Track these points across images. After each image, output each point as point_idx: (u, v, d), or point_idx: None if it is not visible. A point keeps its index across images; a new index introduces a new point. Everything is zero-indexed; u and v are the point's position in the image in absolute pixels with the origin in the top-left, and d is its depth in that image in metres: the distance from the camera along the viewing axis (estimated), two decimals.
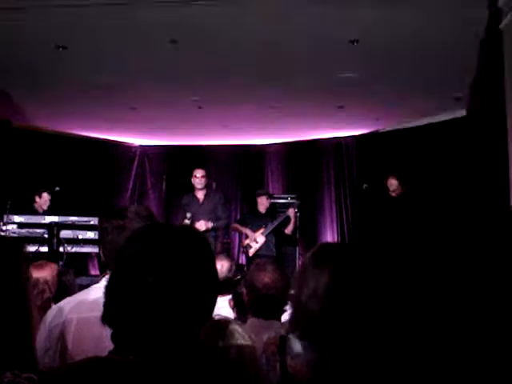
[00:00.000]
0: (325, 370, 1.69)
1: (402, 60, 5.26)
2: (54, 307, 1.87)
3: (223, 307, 2.78)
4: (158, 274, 1.08)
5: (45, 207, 7.25)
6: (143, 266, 1.09)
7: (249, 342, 1.56)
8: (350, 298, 1.76)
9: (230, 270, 2.99)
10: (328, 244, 2.24)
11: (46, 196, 7.26)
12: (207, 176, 6.68)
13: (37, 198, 7.25)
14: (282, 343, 1.76)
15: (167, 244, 1.13)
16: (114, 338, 1.10)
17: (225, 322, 1.18)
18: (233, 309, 2.96)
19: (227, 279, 3.00)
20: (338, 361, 1.70)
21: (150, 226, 1.31)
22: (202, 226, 6.29)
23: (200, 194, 6.62)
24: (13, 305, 1.41)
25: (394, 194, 7.09)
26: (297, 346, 1.77)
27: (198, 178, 6.57)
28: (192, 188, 6.68)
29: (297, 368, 1.72)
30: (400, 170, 7.80)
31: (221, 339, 1.52)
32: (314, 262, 1.86)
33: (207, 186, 6.71)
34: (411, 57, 5.14)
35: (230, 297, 2.96)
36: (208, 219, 6.41)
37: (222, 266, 2.96)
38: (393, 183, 7.06)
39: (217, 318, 1.18)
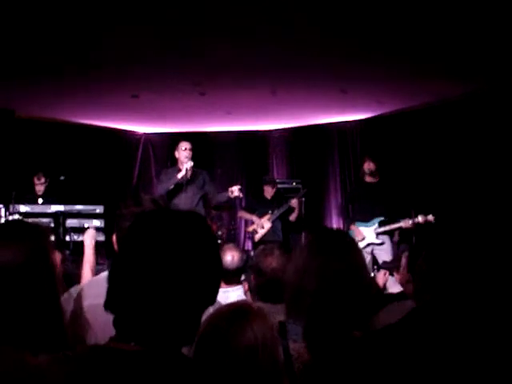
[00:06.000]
0: (323, 353, 1.72)
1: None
2: (64, 294, 1.87)
3: (234, 298, 2.74)
4: (159, 259, 1.06)
5: (41, 188, 7.24)
6: (145, 251, 1.08)
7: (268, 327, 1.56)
8: (343, 284, 1.80)
9: (241, 260, 2.95)
10: (321, 231, 2.25)
11: (42, 178, 7.27)
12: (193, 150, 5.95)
13: (36, 180, 7.27)
14: (282, 328, 1.79)
15: (170, 228, 1.11)
16: (115, 323, 1.09)
17: (245, 306, 1.18)
18: (245, 293, 2.95)
19: (238, 270, 2.96)
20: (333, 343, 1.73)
21: (154, 211, 1.30)
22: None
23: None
24: (45, 288, 1.43)
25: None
26: (296, 329, 1.79)
27: (186, 150, 5.83)
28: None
29: (300, 351, 1.75)
30: (406, 154, 7.78)
31: (240, 325, 1.52)
32: (308, 249, 1.90)
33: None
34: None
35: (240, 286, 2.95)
36: (195, 195, 5.88)
37: (233, 256, 2.92)
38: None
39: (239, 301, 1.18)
